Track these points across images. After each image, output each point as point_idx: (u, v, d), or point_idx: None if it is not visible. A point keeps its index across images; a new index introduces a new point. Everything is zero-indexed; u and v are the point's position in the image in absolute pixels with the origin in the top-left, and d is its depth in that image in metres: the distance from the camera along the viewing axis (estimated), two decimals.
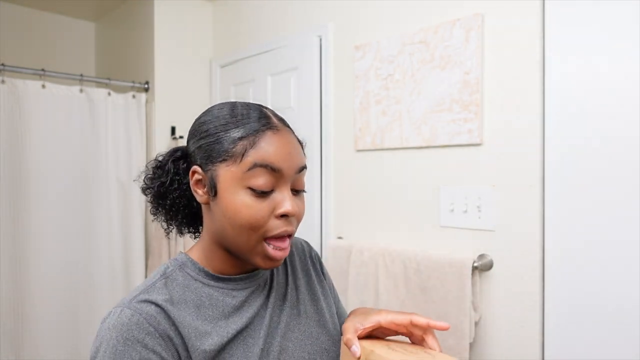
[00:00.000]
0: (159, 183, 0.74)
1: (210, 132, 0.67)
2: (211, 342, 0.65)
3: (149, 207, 0.78)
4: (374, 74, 1.74)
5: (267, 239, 0.66)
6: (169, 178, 0.73)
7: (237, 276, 0.72)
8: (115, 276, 2.31)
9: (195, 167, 0.69)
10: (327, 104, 1.93)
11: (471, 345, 1.46)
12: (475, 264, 1.41)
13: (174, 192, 0.74)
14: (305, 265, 0.85)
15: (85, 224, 2.23)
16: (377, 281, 1.63)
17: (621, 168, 1.19)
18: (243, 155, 0.64)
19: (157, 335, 0.62)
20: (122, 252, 2.33)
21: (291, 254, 0.85)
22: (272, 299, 0.74)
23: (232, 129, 0.66)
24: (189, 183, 0.73)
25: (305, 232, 2.01)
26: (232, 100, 2.39)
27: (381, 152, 1.74)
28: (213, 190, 0.67)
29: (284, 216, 0.66)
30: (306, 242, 0.92)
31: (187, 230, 0.80)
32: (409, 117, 1.63)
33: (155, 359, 0.61)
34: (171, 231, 0.79)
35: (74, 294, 2.19)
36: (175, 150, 0.76)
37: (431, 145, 1.57)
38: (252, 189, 0.64)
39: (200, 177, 0.68)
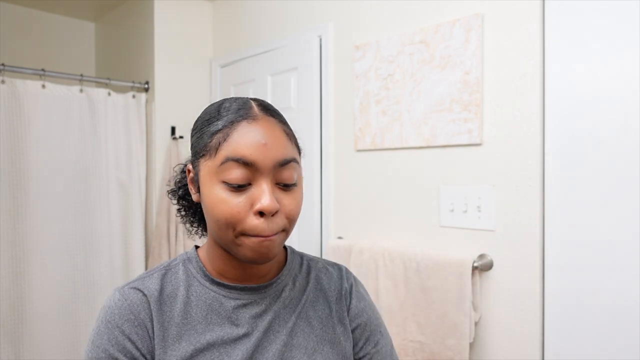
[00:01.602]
0: (181, 186, 0.77)
1: (197, 128, 0.68)
2: (179, 348, 0.64)
3: (175, 211, 0.81)
4: (374, 74, 1.74)
5: (243, 235, 0.62)
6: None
7: (232, 284, 0.68)
8: (115, 276, 2.31)
9: (189, 166, 0.70)
10: (327, 104, 1.93)
11: (471, 345, 1.46)
12: (475, 264, 1.41)
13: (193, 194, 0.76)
14: (329, 298, 0.74)
15: (85, 224, 2.23)
16: (377, 281, 1.63)
17: (621, 168, 1.19)
18: (217, 149, 0.62)
19: (136, 323, 0.64)
20: (122, 252, 2.33)
21: (319, 281, 0.75)
22: (267, 322, 0.67)
23: (211, 124, 0.64)
24: None
25: (305, 232, 2.01)
26: None
27: (381, 152, 1.74)
28: (197, 187, 0.67)
29: (262, 213, 0.61)
30: (340, 269, 0.79)
31: (199, 228, 0.81)
32: (409, 117, 1.63)
33: (128, 346, 0.63)
34: (193, 232, 0.79)
35: (74, 294, 2.19)
36: None
37: (431, 145, 1.57)
38: (226, 183, 0.61)
39: (192, 175, 0.69)
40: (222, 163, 0.61)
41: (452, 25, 1.50)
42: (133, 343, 0.63)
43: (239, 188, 0.61)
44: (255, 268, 0.69)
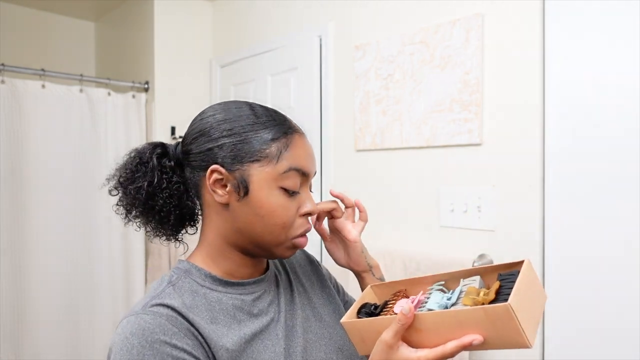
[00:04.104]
0: (147, 182, 0.69)
1: (235, 131, 0.67)
2: (232, 342, 0.64)
3: (120, 208, 0.72)
4: (374, 74, 1.74)
5: (293, 237, 0.69)
6: (155, 176, 0.70)
7: (244, 280, 0.71)
8: (115, 276, 2.31)
9: (216, 167, 0.66)
10: (327, 104, 1.93)
11: None
12: (475, 264, 1.41)
13: (163, 191, 0.70)
14: (307, 272, 0.86)
15: (85, 224, 2.23)
16: None
17: (621, 168, 1.19)
18: (278, 157, 0.66)
19: (182, 335, 0.60)
20: (122, 252, 2.33)
21: (290, 261, 0.86)
22: (282, 304, 0.74)
23: (260, 130, 0.67)
24: (179, 182, 0.71)
25: None
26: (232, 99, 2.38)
27: (381, 152, 1.74)
28: (243, 191, 0.66)
29: (305, 215, 0.70)
30: (302, 249, 0.91)
31: (173, 234, 0.76)
32: (409, 117, 1.63)
33: (188, 358, 0.59)
34: (155, 236, 0.75)
35: (74, 293, 2.19)
36: (155, 146, 0.73)
37: (431, 145, 1.57)
38: (284, 190, 0.67)
39: (221, 176, 0.66)
40: (286, 171, 0.66)
41: (452, 25, 1.50)
42: (190, 354, 0.59)
43: (292, 194, 0.68)
44: (261, 263, 0.75)
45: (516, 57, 1.38)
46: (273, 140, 0.67)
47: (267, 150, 0.66)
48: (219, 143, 0.67)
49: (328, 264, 0.98)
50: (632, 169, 1.18)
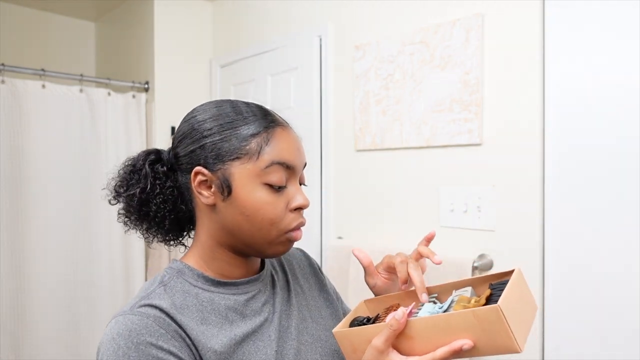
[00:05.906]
0: (139, 189, 0.69)
1: (214, 130, 0.66)
2: (221, 344, 0.63)
3: (121, 217, 0.72)
4: (374, 74, 1.74)
5: (286, 232, 0.67)
6: (148, 183, 0.69)
7: (238, 280, 0.70)
8: (115, 277, 2.31)
9: (199, 168, 0.66)
10: (327, 104, 1.93)
11: None
12: (475, 264, 1.41)
13: (156, 197, 0.70)
14: (306, 274, 0.85)
15: (84, 225, 2.22)
16: None
17: (621, 168, 1.19)
18: (259, 152, 0.64)
19: (169, 336, 0.59)
20: (122, 253, 2.33)
21: (290, 262, 0.85)
22: (277, 304, 0.73)
23: (240, 126, 0.66)
24: (172, 187, 0.70)
25: (305, 232, 2.00)
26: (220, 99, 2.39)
27: (381, 152, 1.74)
28: (227, 190, 0.65)
29: (297, 209, 0.68)
30: (302, 250, 0.91)
31: (172, 239, 0.76)
32: (409, 117, 1.63)
33: None
34: (152, 241, 0.75)
35: (74, 294, 2.19)
36: (149, 153, 0.72)
37: (431, 145, 1.57)
38: (269, 185, 0.65)
39: (205, 178, 0.66)
40: (267, 166, 0.65)
41: (452, 25, 1.50)
42: (176, 356, 0.59)
43: (278, 190, 0.66)
44: (255, 262, 0.74)
45: (516, 57, 1.38)
46: (253, 135, 0.65)
47: (247, 147, 0.65)
48: (201, 144, 0.66)
49: (326, 273, 0.99)
50: (631, 168, 1.18)
